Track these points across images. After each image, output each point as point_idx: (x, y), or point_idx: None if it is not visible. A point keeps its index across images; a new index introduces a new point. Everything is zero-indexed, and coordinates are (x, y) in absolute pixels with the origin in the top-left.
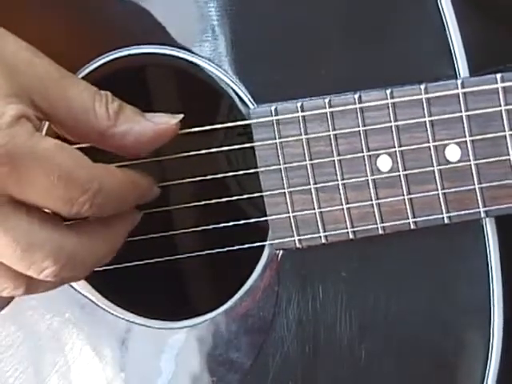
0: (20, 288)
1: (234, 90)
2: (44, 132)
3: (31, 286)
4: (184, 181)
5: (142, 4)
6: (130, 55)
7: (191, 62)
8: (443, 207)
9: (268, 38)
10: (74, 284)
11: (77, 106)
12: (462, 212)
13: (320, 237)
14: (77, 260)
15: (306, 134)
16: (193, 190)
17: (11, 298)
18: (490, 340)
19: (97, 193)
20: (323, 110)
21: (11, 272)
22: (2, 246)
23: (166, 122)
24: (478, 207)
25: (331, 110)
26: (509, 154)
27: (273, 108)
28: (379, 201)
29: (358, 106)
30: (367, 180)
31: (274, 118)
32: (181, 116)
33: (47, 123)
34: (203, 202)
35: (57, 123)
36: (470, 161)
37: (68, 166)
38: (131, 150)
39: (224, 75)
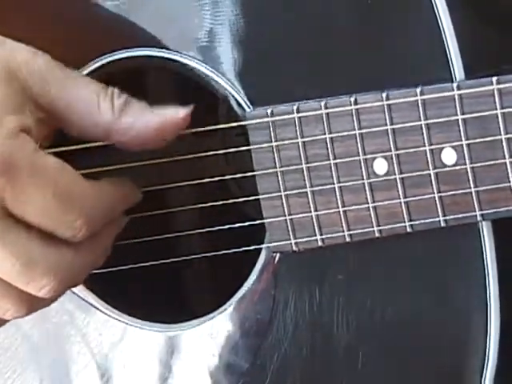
0: (22, 309)
1: (230, 93)
2: None
3: (33, 305)
4: (182, 183)
5: (140, 7)
6: (127, 58)
7: (188, 65)
8: (439, 210)
9: (265, 41)
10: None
11: (80, 101)
12: (459, 215)
13: (316, 240)
14: (74, 274)
15: (302, 136)
16: (191, 193)
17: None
18: (487, 341)
19: (91, 216)
20: (319, 113)
21: (12, 291)
22: (1, 261)
23: (171, 114)
24: (475, 210)
25: (327, 112)
26: (505, 158)
27: (269, 111)
28: (375, 204)
29: (353, 108)
30: (363, 183)
31: (270, 120)
32: (189, 108)
33: None
34: (200, 205)
35: (60, 121)
36: (465, 164)
37: (65, 186)
38: (137, 144)
39: (221, 78)
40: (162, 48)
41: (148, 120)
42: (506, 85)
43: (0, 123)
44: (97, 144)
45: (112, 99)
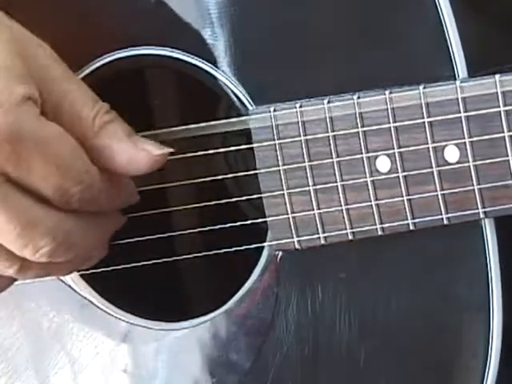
0: (12, 267)
1: (232, 91)
2: None
3: (23, 268)
4: (184, 183)
5: (141, 5)
6: (128, 57)
7: (190, 64)
8: (442, 208)
9: (267, 39)
10: (73, 285)
11: (66, 107)
12: (461, 213)
13: (319, 238)
14: (71, 241)
15: (305, 134)
16: (192, 192)
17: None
18: (489, 341)
19: (88, 187)
20: (322, 111)
21: (6, 252)
22: (1, 224)
23: (147, 150)
24: (477, 208)
25: (330, 110)
26: (507, 155)
27: (272, 109)
28: (378, 202)
29: (356, 106)
30: (366, 181)
31: (273, 118)
32: (169, 150)
33: None
34: (202, 204)
35: (49, 113)
36: (468, 162)
37: (67, 157)
38: (109, 166)
39: (223, 76)
40: (162, 46)
41: (123, 147)
42: (509, 82)
43: (10, 90)
44: None
45: (96, 115)
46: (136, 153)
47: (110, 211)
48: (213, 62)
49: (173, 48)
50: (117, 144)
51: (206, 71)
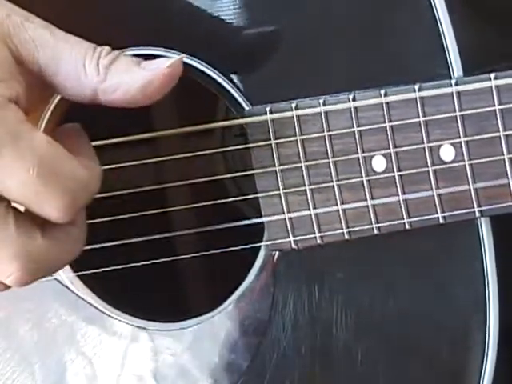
0: None
1: (229, 92)
2: (43, 126)
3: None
4: (181, 183)
5: (139, 6)
6: None
7: (186, 64)
8: (438, 207)
9: (263, 39)
10: (71, 286)
11: (67, 66)
12: (457, 212)
13: (315, 237)
14: (42, 265)
15: (301, 134)
16: (190, 192)
17: None
18: (485, 340)
19: (76, 197)
20: (318, 110)
21: None
22: None
23: (157, 67)
24: (473, 207)
25: (326, 110)
26: (503, 154)
27: (268, 109)
28: (374, 201)
29: (352, 106)
30: (362, 180)
31: (269, 118)
32: (176, 57)
33: (46, 116)
34: (200, 204)
35: (50, 85)
36: (464, 161)
37: (49, 161)
38: (126, 103)
39: (219, 77)
40: (159, 47)
41: (134, 77)
42: (504, 81)
43: None
44: (97, 143)
45: (98, 60)
46: (149, 75)
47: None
48: (210, 62)
49: (169, 48)
50: (128, 77)
51: (203, 71)
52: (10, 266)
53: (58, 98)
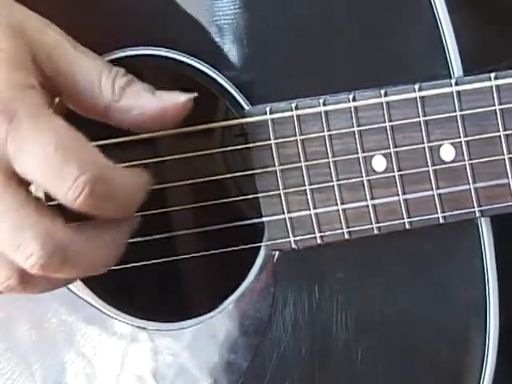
0: (13, 277)
1: (229, 92)
2: None
3: (25, 278)
4: (182, 183)
5: (139, 6)
6: (126, 57)
7: (187, 64)
8: (438, 207)
9: (263, 39)
10: (71, 286)
11: (83, 78)
12: (457, 212)
13: (316, 237)
14: (68, 254)
15: (301, 134)
16: (191, 192)
17: None
18: (486, 340)
19: (98, 178)
20: (318, 110)
21: (3, 258)
22: None
23: (172, 99)
24: (473, 207)
25: (326, 109)
26: (503, 154)
27: (268, 109)
28: (374, 201)
29: (352, 106)
30: (362, 180)
31: (269, 118)
32: (191, 95)
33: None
34: (200, 204)
35: (63, 94)
36: (464, 160)
37: (68, 142)
38: (136, 126)
39: (219, 77)
40: (159, 47)
41: (147, 104)
42: (504, 81)
43: (9, 76)
44: (97, 143)
45: (114, 79)
46: (164, 103)
47: (126, 216)
48: (209, 62)
49: (170, 49)
50: (143, 100)
51: (203, 72)
52: (31, 245)
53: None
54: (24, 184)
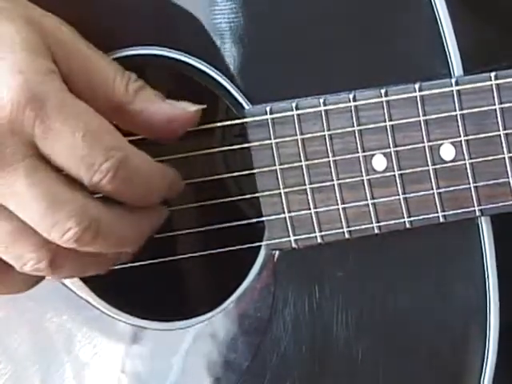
0: (44, 260)
1: (229, 91)
2: None
3: (56, 259)
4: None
5: (139, 6)
6: (125, 57)
7: (187, 64)
8: (438, 206)
9: (263, 39)
10: (71, 285)
11: (97, 78)
12: (458, 211)
13: (316, 237)
14: (100, 228)
15: (301, 133)
16: (191, 192)
17: (36, 280)
18: (486, 340)
19: (121, 163)
20: (318, 109)
21: (35, 238)
22: (27, 200)
23: (182, 108)
24: (473, 206)
25: (326, 109)
26: (503, 153)
27: (268, 108)
28: (374, 200)
29: (352, 105)
30: (362, 180)
31: (270, 117)
32: (201, 106)
33: None
34: (200, 203)
35: (75, 92)
36: (464, 160)
37: (95, 127)
38: (145, 130)
39: (219, 76)
40: (160, 46)
41: (160, 108)
42: (505, 80)
43: (33, 62)
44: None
45: (128, 81)
46: (173, 111)
47: (149, 203)
48: (209, 61)
49: (170, 48)
50: (154, 106)
51: (203, 71)
52: (68, 223)
53: None
54: (52, 164)
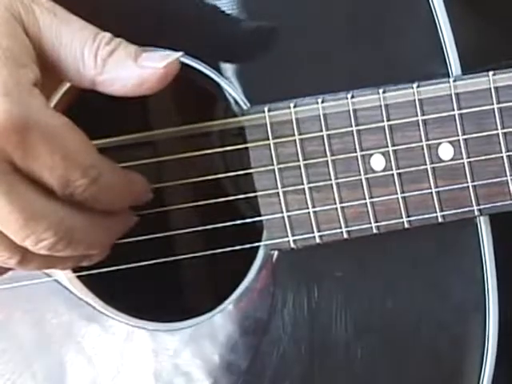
0: (14, 258)
1: (227, 91)
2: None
3: (25, 258)
4: (180, 182)
5: (137, 6)
6: None
7: (185, 64)
8: (437, 206)
9: (262, 39)
10: (70, 286)
11: (68, 56)
12: (456, 210)
13: (314, 237)
14: (73, 237)
15: (300, 133)
16: (189, 192)
17: (5, 271)
18: (485, 339)
19: (94, 181)
20: (316, 109)
21: (8, 241)
22: (4, 216)
23: (153, 66)
24: (472, 205)
25: (324, 109)
26: (501, 152)
27: (266, 108)
28: (373, 200)
29: (350, 105)
30: (361, 179)
31: (268, 117)
32: (174, 56)
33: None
34: (198, 203)
35: (54, 71)
36: (462, 159)
37: (73, 148)
38: (124, 94)
39: (218, 77)
40: (158, 47)
41: (130, 73)
42: (503, 80)
43: (17, 79)
44: (97, 143)
45: (97, 51)
46: (145, 73)
47: (119, 210)
48: (209, 62)
49: (171, 49)
50: (124, 72)
51: (201, 72)
52: (44, 234)
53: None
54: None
